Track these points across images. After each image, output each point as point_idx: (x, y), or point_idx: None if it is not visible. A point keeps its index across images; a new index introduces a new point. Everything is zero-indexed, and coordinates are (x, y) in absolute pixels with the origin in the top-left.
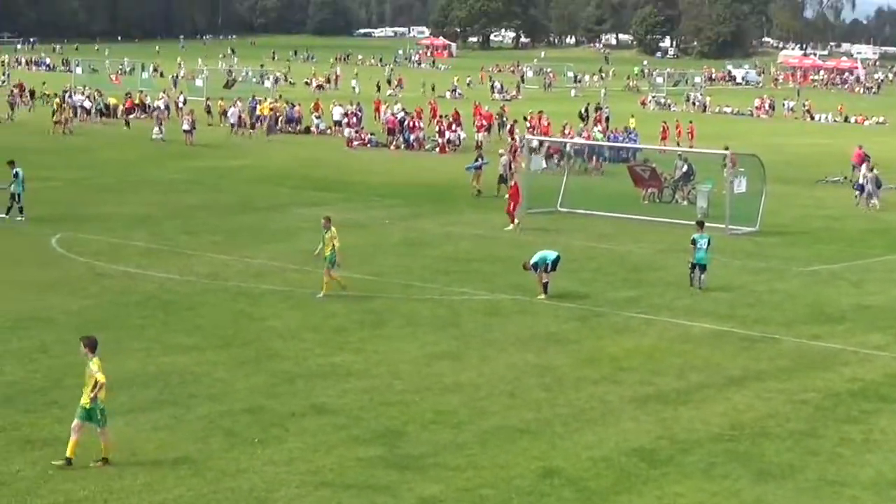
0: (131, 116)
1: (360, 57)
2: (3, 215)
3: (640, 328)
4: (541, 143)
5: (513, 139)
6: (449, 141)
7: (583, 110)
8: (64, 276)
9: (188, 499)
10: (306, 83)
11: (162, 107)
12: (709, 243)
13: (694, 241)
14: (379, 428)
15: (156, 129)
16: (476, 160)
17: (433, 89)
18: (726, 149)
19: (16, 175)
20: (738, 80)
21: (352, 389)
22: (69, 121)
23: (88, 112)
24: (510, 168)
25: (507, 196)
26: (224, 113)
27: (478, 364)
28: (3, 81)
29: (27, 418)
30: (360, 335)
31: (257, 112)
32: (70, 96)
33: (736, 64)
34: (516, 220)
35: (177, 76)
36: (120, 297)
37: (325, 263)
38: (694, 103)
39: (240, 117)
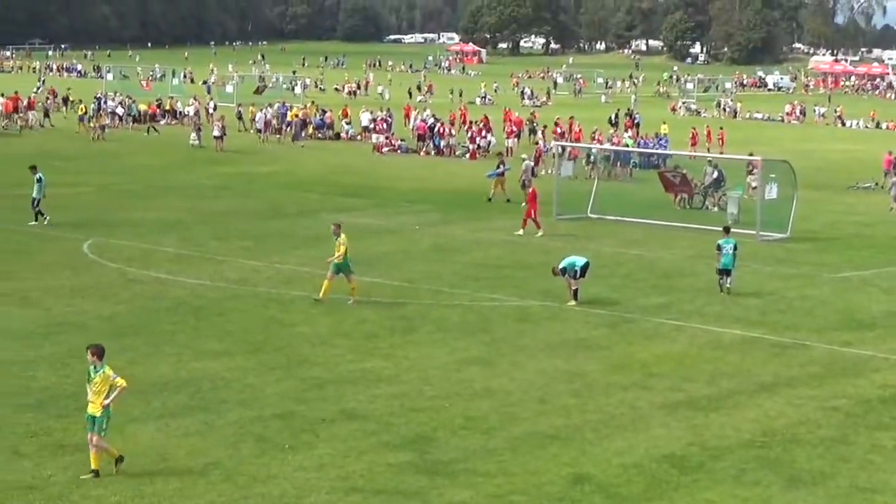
0: (162, 122)
1: (390, 63)
2: (33, 222)
3: (670, 334)
4: (563, 147)
5: (536, 145)
6: (479, 147)
7: (613, 116)
8: (96, 282)
9: None
10: (336, 89)
11: (192, 113)
12: (735, 248)
13: (719, 247)
14: (409, 434)
15: (193, 135)
16: (497, 167)
17: (460, 95)
18: (750, 154)
19: (39, 180)
20: (771, 86)
21: (382, 395)
22: (104, 127)
23: (121, 118)
24: (531, 174)
25: (523, 204)
26: (252, 118)
27: (508, 370)
28: (39, 87)
29: (59, 423)
30: (391, 341)
31: (287, 118)
32: (105, 102)
33: (767, 70)
34: (533, 224)
35: (209, 82)
36: (151, 303)
37: (345, 270)
38: (725, 109)
39: (266, 122)
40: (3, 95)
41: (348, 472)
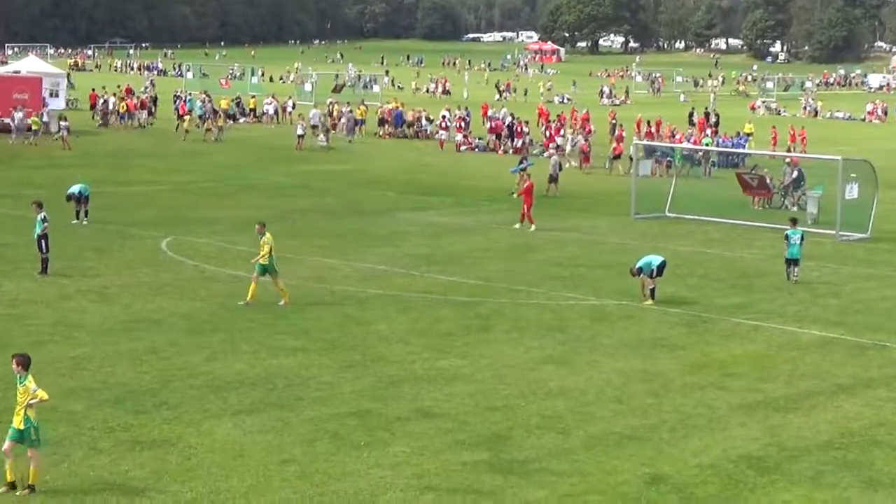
0: (241, 121)
1: (468, 61)
2: (74, 220)
3: (748, 334)
4: (643, 147)
5: (586, 141)
6: (558, 146)
7: (691, 115)
8: (173, 279)
9: (294, 501)
10: (416, 88)
11: (271, 111)
12: (802, 238)
13: (787, 237)
14: (484, 432)
15: (321, 137)
16: (520, 162)
17: (525, 94)
18: (789, 151)
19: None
20: (875, 85)
21: (457, 394)
22: (221, 129)
23: (201, 117)
24: (559, 168)
25: (514, 195)
26: (338, 117)
27: (584, 369)
28: (146, 88)
29: (137, 419)
30: (467, 339)
31: (356, 115)
32: (186, 101)
33: (848, 69)
34: (529, 220)
35: (300, 80)
36: (228, 300)
37: (271, 271)
38: (805, 108)
39: (321, 119)
40: (120, 93)
41: (423, 471)
